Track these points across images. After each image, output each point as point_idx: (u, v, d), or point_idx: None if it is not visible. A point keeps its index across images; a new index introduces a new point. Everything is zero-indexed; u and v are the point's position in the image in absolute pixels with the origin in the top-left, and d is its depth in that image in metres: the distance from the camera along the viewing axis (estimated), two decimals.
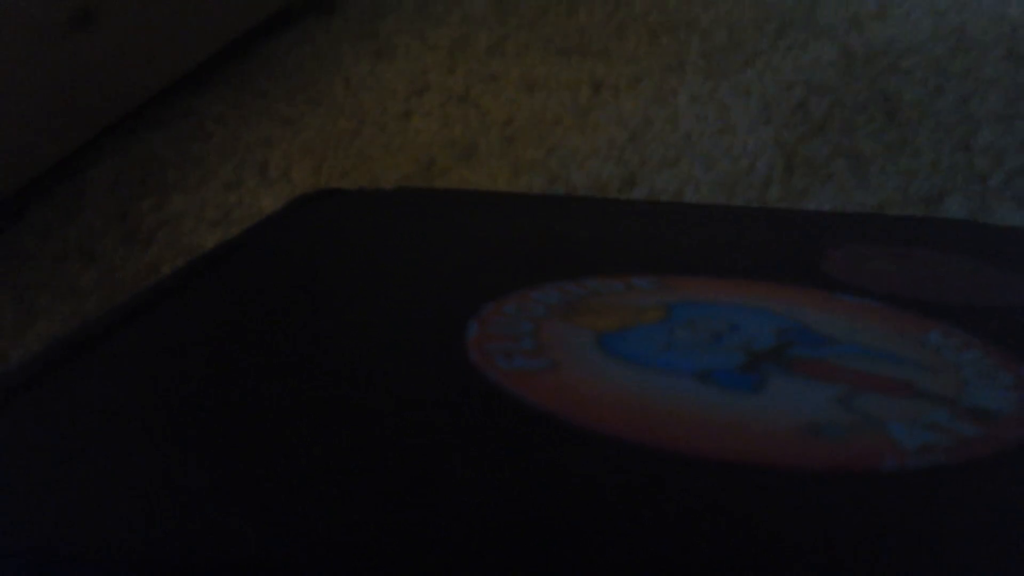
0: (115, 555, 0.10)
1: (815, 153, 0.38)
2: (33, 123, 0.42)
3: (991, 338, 0.18)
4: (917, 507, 0.12)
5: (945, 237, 0.25)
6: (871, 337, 0.18)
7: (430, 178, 0.40)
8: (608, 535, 0.11)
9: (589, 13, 0.47)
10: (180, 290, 0.20)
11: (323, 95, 0.46)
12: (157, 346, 0.17)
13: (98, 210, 0.42)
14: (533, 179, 0.39)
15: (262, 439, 0.13)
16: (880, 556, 0.11)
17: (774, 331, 0.18)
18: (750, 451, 0.13)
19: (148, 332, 0.18)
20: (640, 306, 0.19)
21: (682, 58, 0.44)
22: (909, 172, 0.36)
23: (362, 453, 0.13)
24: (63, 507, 0.11)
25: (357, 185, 0.41)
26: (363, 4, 0.50)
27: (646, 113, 0.42)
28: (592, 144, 0.41)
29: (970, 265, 0.23)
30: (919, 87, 0.40)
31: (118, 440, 0.13)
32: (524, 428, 0.14)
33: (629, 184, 0.38)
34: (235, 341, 0.17)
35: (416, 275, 0.21)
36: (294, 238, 0.24)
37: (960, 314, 0.19)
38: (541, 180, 0.39)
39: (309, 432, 0.13)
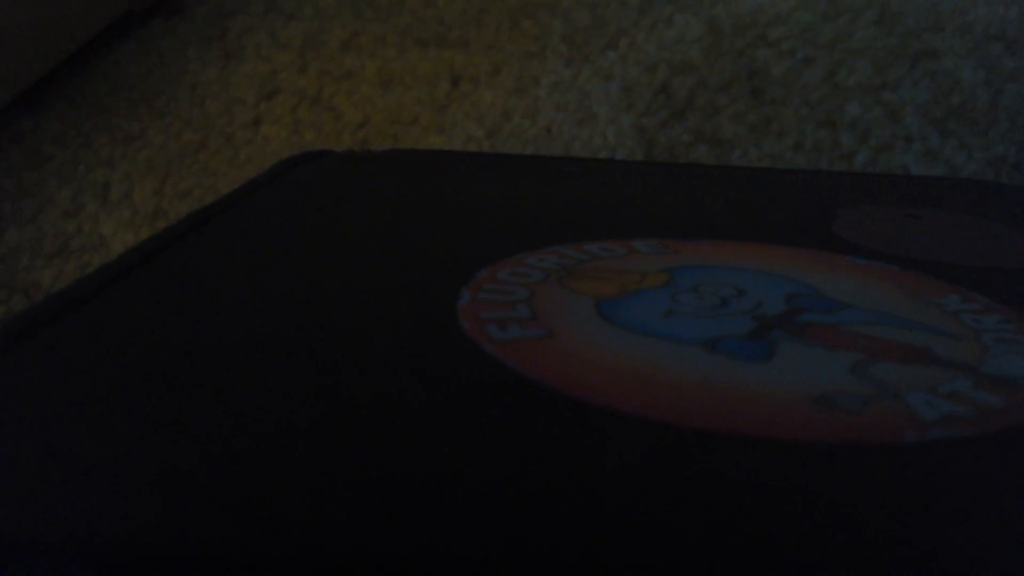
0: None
1: (676, 140, 0.36)
2: None
3: (1012, 302, 0.17)
4: (939, 481, 0.11)
5: (960, 198, 0.24)
6: (886, 301, 0.16)
7: None
8: (608, 511, 0.10)
9: (448, 0, 0.44)
10: (161, 252, 0.19)
11: (168, 106, 0.43)
12: (133, 312, 0.16)
13: None
14: None
15: (239, 410, 0.12)
16: (901, 532, 0.10)
17: (784, 296, 0.16)
18: (760, 424, 0.12)
19: (124, 297, 0.17)
20: (642, 271, 0.17)
21: (544, 43, 0.41)
22: (772, 155, 0.34)
23: (345, 428, 0.12)
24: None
25: (200, 202, 0.39)
26: (211, 3, 0.47)
27: (505, 106, 0.39)
28: (448, 143, 0.39)
29: (987, 226, 0.22)
30: (786, 60, 0.38)
31: (87, 412, 0.12)
32: (519, 401, 0.13)
33: None
34: (213, 308, 0.16)
35: (406, 241, 0.19)
36: (279, 200, 0.22)
37: (979, 277, 0.18)
38: None
39: (289, 405, 0.12)
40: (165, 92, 0.44)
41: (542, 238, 0.19)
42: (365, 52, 0.43)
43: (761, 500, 0.10)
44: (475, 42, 0.42)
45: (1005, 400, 0.13)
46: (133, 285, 0.17)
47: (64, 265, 0.39)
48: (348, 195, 0.23)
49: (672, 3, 0.42)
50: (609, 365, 0.14)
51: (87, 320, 0.16)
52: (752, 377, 0.13)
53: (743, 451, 0.12)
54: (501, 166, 0.26)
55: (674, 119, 0.36)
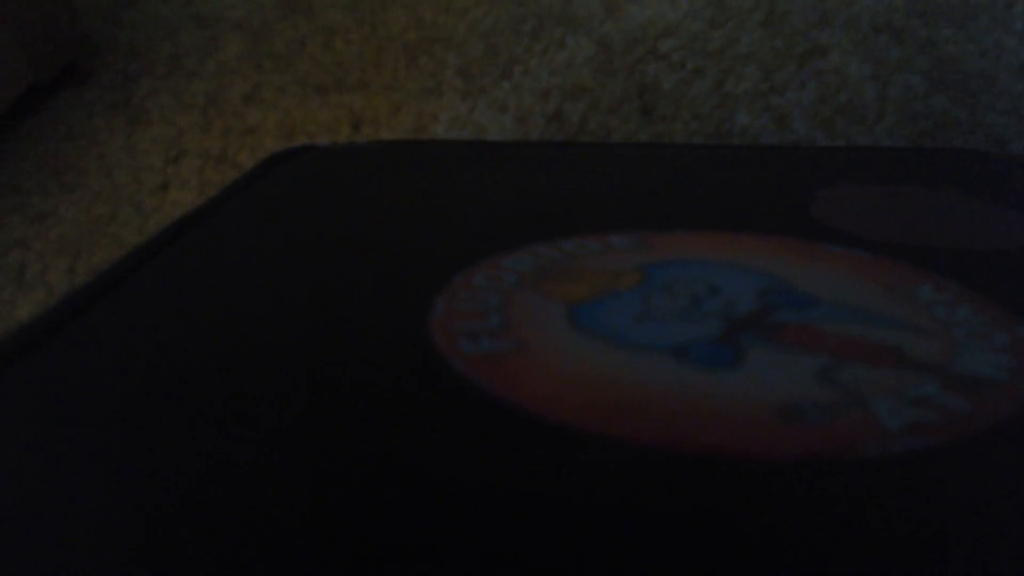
0: None
1: None
2: None
3: (987, 290, 0.17)
4: (900, 497, 0.11)
5: (943, 170, 0.24)
6: (859, 294, 0.17)
7: None
8: (566, 538, 0.10)
9: (346, 42, 0.44)
10: (145, 264, 0.19)
11: (78, 179, 0.43)
12: (120, 323, 0.16)
13: None
14: None
15: (201, 442, 0.12)
16: (858, 553, 0.10)
17: (756, 292, 0.17)
18: (725, 441, 0.12)
19: (113, 309, 0.17)
20: (615, 269, 0.17)
21: (439, 79, 0.42)
22: None
23: (310, 457, 0.12)
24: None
25: None
26: (116, 68, 0.47)
27: None
28: None
29: (969, 203, 0.21)
30: (676, 72, 0.38)
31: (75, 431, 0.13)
32: (486, 422, 0.13)
33: None
34: (184, 325, 0.16)
35: (385, 242, 0.20)
36: (260, 204, 0.23)
37: (955, 261, 0.18)
38: None
39: (251, 434, 0.12)
40: (74, 165, 0.44)
41: (519, 235, 0.19)
42: (267, 104, 0.43)
43: (719, 524, 0.11)
44: (374, 83, 0.42)
45: (972, 404, 0.13)
46: (118, 299, 0.18)
47: None
48: (329, 194, 0.23)
49: (563, 24, 0.42)
50: (576, 380, 0.14)
51: (85, 329, 0.16)
52: (719, 387, 0.14)
53: (706, 472, 0.12)
54: (483, 154, 0.26)
55: None
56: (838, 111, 0.36)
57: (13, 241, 0.42)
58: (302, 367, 0.14)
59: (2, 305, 0.40)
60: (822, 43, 0.38)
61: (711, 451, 0.12)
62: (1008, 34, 0.37)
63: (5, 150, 0.46)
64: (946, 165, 0.24)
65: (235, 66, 0.45)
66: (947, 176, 0.24)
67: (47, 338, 0.16)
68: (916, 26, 0.38)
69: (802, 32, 0.39)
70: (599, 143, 0.28)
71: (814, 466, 0.12)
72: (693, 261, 0.18)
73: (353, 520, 0.11)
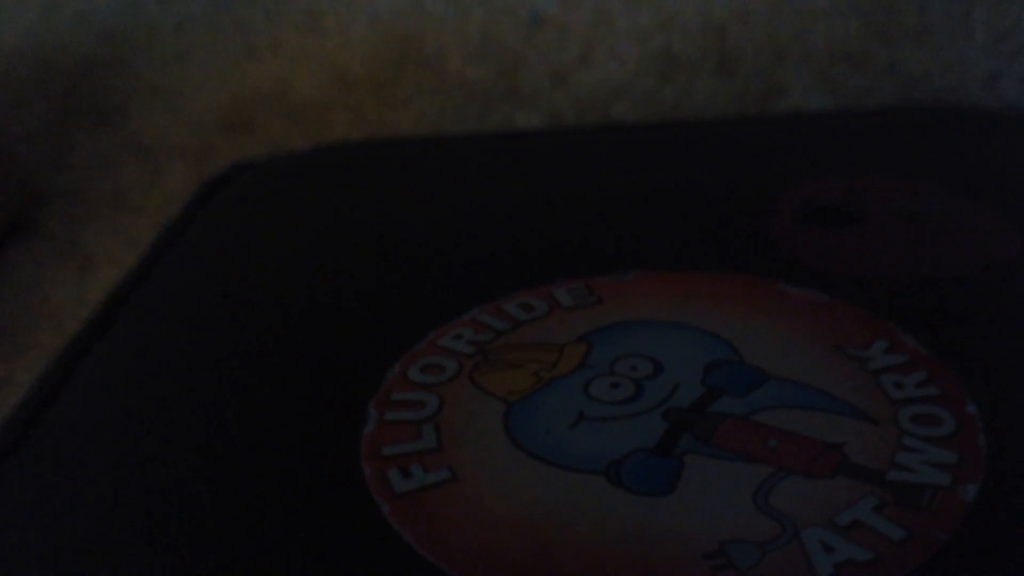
0: None
1: None
2: None
3: (941, 341, 0.16)
4: None
5: (915, 152, 0.22)
6: (808, 359, 0.16)
7: None
8: None
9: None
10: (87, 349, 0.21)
11: (31, 338, 0.42)
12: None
13: None
14: None
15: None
16: None
17: (702, 368, 0.16)
18: None
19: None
20: (559, 343, 0.17)
21: None
22: None
23: None
24: None
25: None
26: (61, 213, 0.46)
27: None
28: None
29: (944, 204, 0.20)
30: None
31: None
32: None
33: None
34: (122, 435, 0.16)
35: (316, 316, 0.19)
36: (190, 257, 0.22)
37: (916, 302, 0.17)
38: None
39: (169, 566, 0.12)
40: (27, 324, 0.42)
41: (459, 295, 0.18)
42: None
43: None
44: None
45: (906, 531, 0.13)
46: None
47: None
48: (256, 245, 0.22)
49: (510, 101, 0.40)
50: (505, 526, 0.13)
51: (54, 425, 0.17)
52: (652, 521, 0.13)
53: None
54: (424, 158, 0.24)
55: None
56: None
57: None
58: (222, 515, 0.14)
59: None
60: (780, 80, 0.37)
61: None
62: (970, 44, 0.35)
63: None
64: (919, 143, 0.23)
65: (179, 197, 0.44)
66: (920, 163, 0.22)
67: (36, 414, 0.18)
68: (875, 50, 0.37)
69: (757, 73, 0.37)
70: (551, 130, 0.26)
71: None
72: (639, 322, 0.17)
73: None
